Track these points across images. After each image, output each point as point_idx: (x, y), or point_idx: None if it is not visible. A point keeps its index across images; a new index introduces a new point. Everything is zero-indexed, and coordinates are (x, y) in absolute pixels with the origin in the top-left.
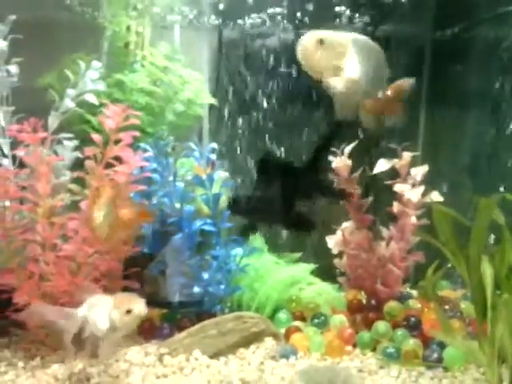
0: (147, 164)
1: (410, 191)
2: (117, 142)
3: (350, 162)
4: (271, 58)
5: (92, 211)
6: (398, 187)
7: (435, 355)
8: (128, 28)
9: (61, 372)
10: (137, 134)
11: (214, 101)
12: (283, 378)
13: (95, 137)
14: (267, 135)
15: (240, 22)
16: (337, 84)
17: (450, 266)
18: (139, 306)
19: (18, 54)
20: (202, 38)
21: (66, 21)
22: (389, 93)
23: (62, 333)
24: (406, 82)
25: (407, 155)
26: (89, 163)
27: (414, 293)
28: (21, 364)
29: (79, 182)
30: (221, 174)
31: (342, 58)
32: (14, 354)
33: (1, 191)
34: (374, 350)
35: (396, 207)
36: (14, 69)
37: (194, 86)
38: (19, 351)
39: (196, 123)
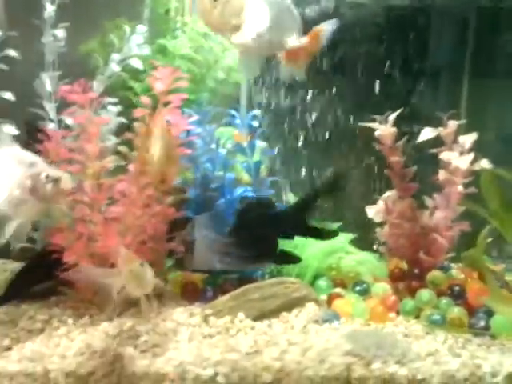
0: (194, 128)
1: (458, 159)
2: (165, 104)
3: (394, 130)
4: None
5: (146, 148)
6: (445, 155)
7: (482, 323)
8: None
9: (110, 329)
10: (185, 96)
11: None
12: (329, 341)
13: (144, 99)
14: (303, 103)
15: None
16: (238, 41)
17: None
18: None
19: (63, 19)
20: None
21: None
22: (304, 40)
23: (108, 291)
24: (324, 27)
25: (453, 123)
26: (137, 125)
27: (453, 266)
28: (70, 321)
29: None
30: (259, 143)
31: (241, 15)
32: (64, 312)
33: (52, 152)
34: (417, 317)
35: (442, 175)
36: (61, 33)
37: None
38: (68, 309)
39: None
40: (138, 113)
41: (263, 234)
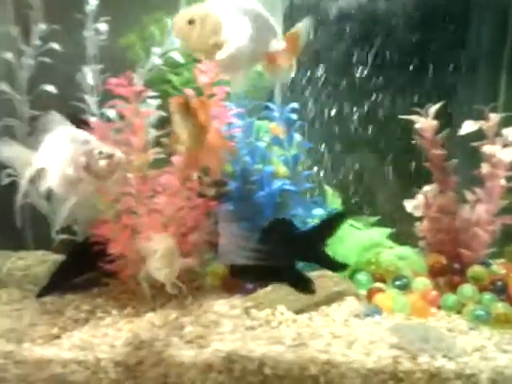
0: (236, 121)
1: (502, 151)
2: (210, 96)
3: (435, 123)
4: (342, 20)
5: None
6: (488, 148)
7: None
8: None
9: (156, 320)
10: (228, 89)
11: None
12: (373, 334)
13: (188, 91)
14: (338, 97)
15: None
16: (223, 57)
17: None
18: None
19: (102, 13)
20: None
21: None
22: (282, 45)
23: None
24: (297, 29)
25: (495, 116)
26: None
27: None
28: (114, 312)
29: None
30: (296, 137)
31: (218, 32)
32: (107, 303)
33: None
34: (458, 312)
35: (484, 168)
36: (103, 27)
37: None
38: (110, 300)
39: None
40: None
41: (279, 254)
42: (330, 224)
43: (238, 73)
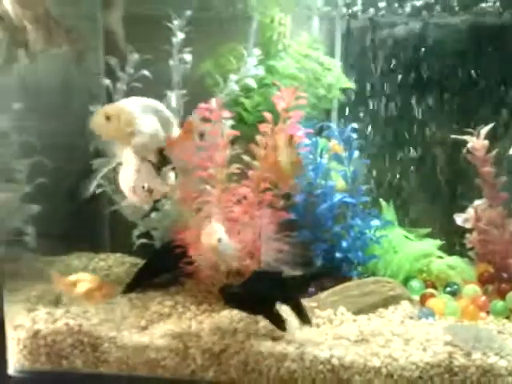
0: (307, 141)
1: None
2: (285, 120)
3: (486, 142)
4: (396, 47)
5: (274, 156)
6: None
7: None
8: (272, 20)
9: (234, 314)
10: (303, 113)
11: (352, 85)
12: (428, 333)
13: (267, 115)
14: (389, 119)
15: (368, 12)
16: (139, 143)
17: None
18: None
19: (187, 44)
20: (335, 27)
21: (230, 16)
22: (178, 132)
23: None
24: (191, 120)
25: None
26: (260, 138)
27: None
28: (193, 307)
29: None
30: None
31: (132, 124)
32: (185, 300)
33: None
34: (507, 318)
35: None
36: (188, 57)
37: (334, 71)
38: (188, 298)
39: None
40: (262, 127)
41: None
42: (305, 280)
43: (149, 154)
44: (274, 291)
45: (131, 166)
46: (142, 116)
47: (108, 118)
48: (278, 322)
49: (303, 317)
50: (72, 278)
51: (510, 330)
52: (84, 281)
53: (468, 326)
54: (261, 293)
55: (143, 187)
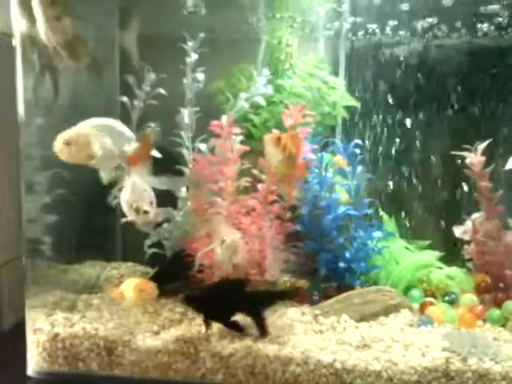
0: (312, 156)
1: None
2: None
3: (483, 158)
4: (397, 65)
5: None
6: None
7: None
8: (279, 41)
9: (240, 321)
10: (309, 130)
11: (356, 103)
12: (427, 339)
13: (274, 131)
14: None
15: (372, 32)
16: (98, 159)
17: None
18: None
19: (200, 64)
20: (340, 48)
21: (241, 37)
22: (135, 146)
23: None
24: (147, 134)
25: None
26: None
27: None
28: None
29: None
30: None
31: (91, 145)
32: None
33: (202, 173)
34: (503, 326)
35: None
36: (201, 76)
37: (339, 90)
38: None
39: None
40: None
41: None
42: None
43: (107, 168)
44: (232, 301)
45: (127, 183)
46: (97, 137)
47: (67, 143)
48: (233, 329)
49: (261, 329)
50: (122, 286)
51: (505, 337)
52: (130, 287)
53: (464, 332)
54: (218, 301)
55: (137, 208)
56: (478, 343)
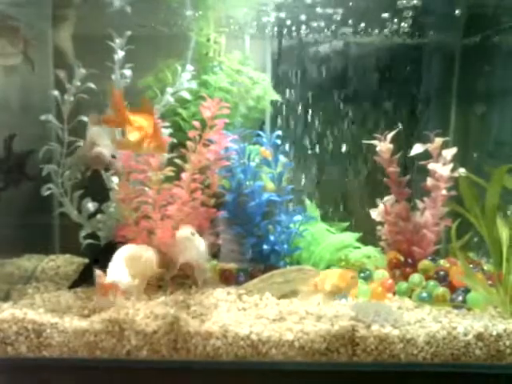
0: (231, 145)
1: (441, 168)
2: (211, 127)
3: (391, 146)
4: (322, 62)
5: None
6: (432, 165)
7: (460, 298)
8: (208, 39)
9: (168, 301)
10: (227, 120)
11: (278, 97)
12: (338, 311)
13: (196, 123)
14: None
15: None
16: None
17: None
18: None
19: (128, 60)
20: (266, 46)
21: (162, 35)
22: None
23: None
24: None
25: (439, 140)
26: (189, 143)
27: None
28: (132, 298)
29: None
30: (281, 158)
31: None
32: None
33: (126, 164)
34: (409, 297)
35: (429, 182)
36: (128, 72)
37: (262, 85)
38: None
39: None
40: (191, 134)
41: None
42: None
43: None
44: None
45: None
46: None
47: None
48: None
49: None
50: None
51: (407, 306)
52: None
53: (369, 303)
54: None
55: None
56: (382, 312)
